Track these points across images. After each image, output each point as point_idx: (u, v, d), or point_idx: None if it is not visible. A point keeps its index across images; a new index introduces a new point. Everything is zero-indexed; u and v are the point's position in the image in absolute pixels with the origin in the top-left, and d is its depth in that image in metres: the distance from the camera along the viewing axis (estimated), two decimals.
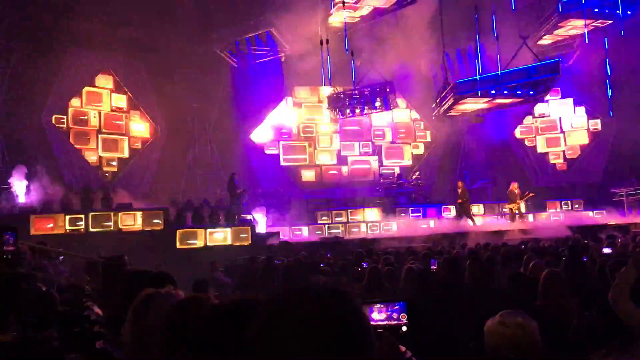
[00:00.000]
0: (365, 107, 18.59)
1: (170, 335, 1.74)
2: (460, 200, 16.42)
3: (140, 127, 19.39)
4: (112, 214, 12.99)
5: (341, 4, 16.64)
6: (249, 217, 15.08)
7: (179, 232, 13.08)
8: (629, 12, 17.84)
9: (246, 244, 13.33)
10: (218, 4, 17.76)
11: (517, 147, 22.57)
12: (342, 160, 21.99)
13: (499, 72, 16.08)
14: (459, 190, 16.51)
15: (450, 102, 16.92)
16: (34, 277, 5.38)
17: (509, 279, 4.62)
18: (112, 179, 18.16)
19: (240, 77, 19.79)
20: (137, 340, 2.03)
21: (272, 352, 0.96)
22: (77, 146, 17.79)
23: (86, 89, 18.14)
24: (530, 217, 17.57)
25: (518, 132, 22.76)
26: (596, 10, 17.96)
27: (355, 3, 17.68)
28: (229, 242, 13.32)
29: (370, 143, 22.30)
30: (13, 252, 5.23)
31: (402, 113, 22.59)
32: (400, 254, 9.30)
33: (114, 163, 18.68)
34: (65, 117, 17.55)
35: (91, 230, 12.60)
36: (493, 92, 16.21)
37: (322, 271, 7.78)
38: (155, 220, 13.22)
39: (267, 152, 21.13)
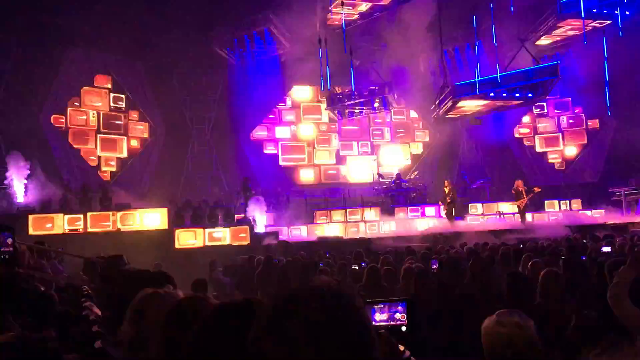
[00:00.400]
0: (364, 108, 18.61)
1: (169, 336, 1.74)
2: (448, 200, 16.04)
3: (138, 127, 19.38)
4: (110, 214, 12.97)
5: (340, 2, 16.65)
6: (249, 216, 15.06)
7: (177, 231, 13.07)
8: (627, 13, 17.89)
9: (245, 243, 13.31)
10: (216, 2, 17.75)
11: (515, 147, 22.60)
12: (340, 159, 21.99)
13: (498, 74, 16.11)
14: (447, 189, 16.13)
15: (449, 105, 16.93)
16: (32, 277, 5.38)
17: (507, 279, 4.63)
18: (111, 178, 18.15)
19: (239, 76, 19.78)
20: (136, 340, 2.02)
21: (274, 352, 0.96)
22: (75, 146, 17.79)
23: (85, 88, 18.13)
24: (529, 216, 17.57)
25: (516, 132, 22.79)
26: (594, 10, 17.99)
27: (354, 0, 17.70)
28: (227, 241, 13.31)
29: (369, 143, 22.30)
30: (10, 253, 5.21)
31: (401, 113, 22.61)
32: (398, 254, 9.30)
33: (113, 163, 18.68)
34: (64, 117, 17.55)
35: (90, 230, 12.59)
36: (492, 94, 16.22)
37: (321, 271, 7.78)
38: (154, 220, 13.20)
39: (265, 151, 21.13)
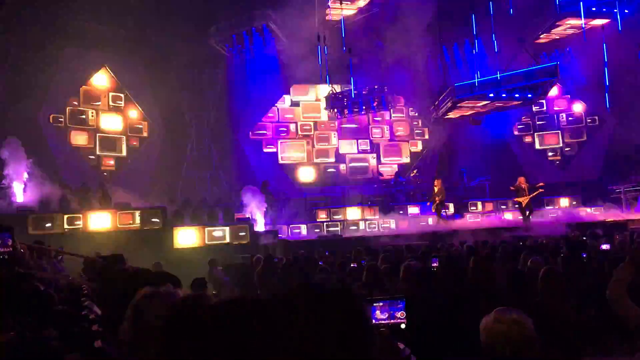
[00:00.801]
0: (363, 108, 18.63)
1: (168, 335, 1.74)
2: (437, 200, 15.84)
3: (137, 126, 19.37)
4: (110, 213, 12.97)
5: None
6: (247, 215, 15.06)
7: (177, 230, 13.06)
8: (626, 11, 17.92)
9: (244, 242, 13.31)
10: None
11: (514, 144, 22.60)
12: (340, 158, 21.99)
13: (498, 75, 16.14)
14: (436, 189, 15.93)
15: (448, 105, 16.94)
16: (32, 277, 5.38)
17: (507, 276, 4.63)
18: (110, 177, 18.14)
19: (238, 74, 19.76)
20: (136, 339, 2.02)
21: (275, 350, 0.96)
22: (75, 145, 17.77)
23: (83, 87, 18.11)
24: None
25: (516, 130, 22.79)
26: (593, 9, 18.01)
27: None
28: (227, 240, 13.30)
29: (368, 141, 22.31)
30: (10, 253, 5.21)
31: (400, 111, 22.61)
32: (398, 252, 9.30)
33: (112, 162, 18.66)
34: (63, 116, 17.53)
35: (89, 229, 12.58)
36: (491, 95, 16.23)
37: (321, 269, 7.78)
38: (153, 219, 13.19)
39: (265, 150, 21.13)
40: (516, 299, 3.77)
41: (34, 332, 3.13)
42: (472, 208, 18.13)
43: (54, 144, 16.78)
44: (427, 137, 22.65)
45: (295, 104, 21.86)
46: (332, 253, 10.47)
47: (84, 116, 18.09)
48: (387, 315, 2.88)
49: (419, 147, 22.75)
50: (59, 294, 4.66)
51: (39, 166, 13.55)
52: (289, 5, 16.74)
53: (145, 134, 19.47)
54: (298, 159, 21.56)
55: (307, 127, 21.80)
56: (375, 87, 18.50)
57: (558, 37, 20.23)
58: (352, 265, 7.98)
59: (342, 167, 21.96)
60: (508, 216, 17.96)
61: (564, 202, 18.80)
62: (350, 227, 16.61)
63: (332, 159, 21.92)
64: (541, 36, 19.81)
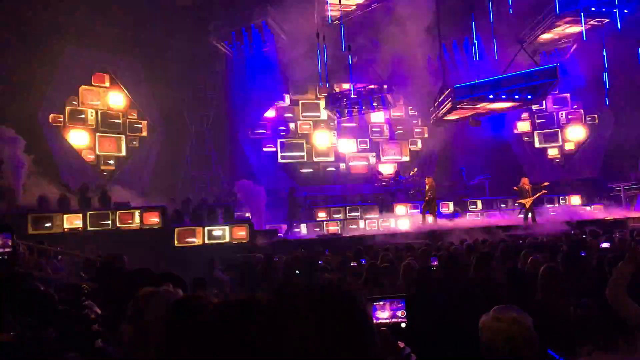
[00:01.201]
0: (363, 107, 18.61)
1: (168, 334, 1.74)
2: (427, 198, 15.58)
3: (137, 126, 19.36)
4: (110, 212, 12.96)
5: None
6: (247, 215, 15.07)
7: (177, 230, 13.05)
8: (625, 11, 17.93)
9: (244, 241, 13.31)
10: None
11: (514, 143, 22.61)
12: (340, 157, 21.99)
13: (497, 77, 16.12)
14: (427, 186, 15.69)
15: (448, 107, 16.93)
16: (32, 276, 5.37)
17: (507, 275, 4.63)
18: (110, 177, 18.13)
19: (238, 73, 19.73)
20: (136, 339, 2.02)
21: (276, 349, 0.96)
22: (74, 145, 17.76)
23: (83, 87, 18.10)
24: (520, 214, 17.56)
25: (515, 128, 22.79)
26: (593, 9, 18.01)
27: None
28: (227, 239, 13.30)
29: (368, 140, 22.30)
30: (10, 253, 5.20)
31: (400, 110, 22.61)
32: (398, 250, 9.30)
33: (112, 162, 18.66)
34: (62, 115, 17.52)
35: (89, 229, 12.58)
36: (491, 96, 16.22)
37: (321, 268, 7.78)
38: (153, 219, 13.19)
39: (265, 149, 21.12)
40: (516, 297, 3.77)
41: (34, 332, 3.13)
42: (471, 206, 18.12)
43: (53, 143, 16.77)
44: (426, 136, 22.65)
45: (294, 102, 21.85)
46: (332, 252, 10.47)
47: (83, 116, 18.09)
48: (388, 315, 2.88)
49: (419, 146, 22.75)
50: (59, 293, 4.65)
51: (38, 166, 13.56)
52: (289, 2, 16.73)
53: (144, 134, 19.46)
54: (297, 158, 21.55)
55: (306, 126, 21.79)
56: (375, 86, 18.48)
57: (558, 37, 20.25)
58: (352, 264, 7.99)
59: (342, 166, 21.96)
60: (507, 215, 17.95)
61: (564, 200, 18.82)
62: (350, 226, 16.61)
63: (332, 158, 21.92)
64: (540, 36, 19.82)
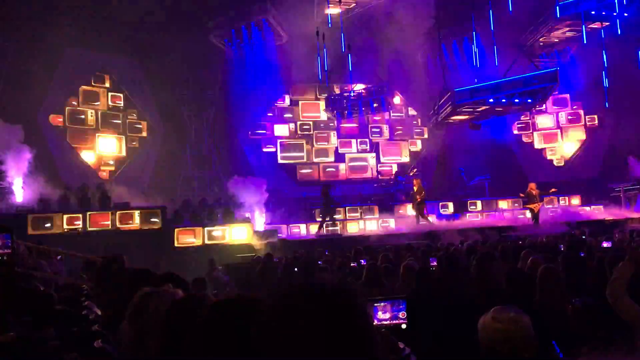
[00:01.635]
0: (363, 109, 18.61)
1: (168, 334, 1.74)
2: (418, 198, 15.48)
3: (137, 126, 19.36)
4: (109, 213, 12.96)
5: None
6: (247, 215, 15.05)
7: (176, 230, 13.06)
8: (625, 15, 17.96)
9: (244, 242, 13.32)
10: None
11: (514, 144, 22.61)
12: (339, 157, 21.99)
13: (497, 80, 16.13)
14: (415, 188, 15.62)
15: (448, 110, 16.94)
16: (32, 277, 5.38)
17: (506, 275, 4.63)
18: (110, 178, 18.13)
19: (237, 72, 19.70)
20: (135, 339, 2.03)
21: (276, 350, 0.96)
22: (74, 145, 17.76)
23: (83, 88, 18.10)
24: (528, 213, 17.57)
25: (515, 129, 22.79)
26: (593, 12, 18.04)
27: None
28: (227, 240, 13.30)
29: (367, 140, 22.30)
30: (10, 253, 5.19)
31: (400, 110, 22.61)
32: (398, 251, 9.30)
33: (112, 162, 18.66)
34: (62, 116, 17.52)
35: (89, 229, 12.58)
36: (491, 100, 16.22)
37: (321, 269, 7.78)
38: (153, 219, 13.19)
39: (264, 150, 21.11)
40: (516, 297, 3.77)
41: (34, 332, 3.13)
42: (471, 207, 18.12)
43: (53, 144, 16.77)
44: (426, 136, 22.64)
45: (294, 103, 21.85)
46: (332, 252, 10.47)
47: (83, 116, 18.08)
48: (389, 316, 2.89)
49: (419, 146, 22.75)
50: (59, 294, 4.65)
51: (38, 166, 13.55)
52: (289, 2, 16.73)
53: (144, 134, 19.45)
54: (297, 159, 21.54)
55: (306, 127, 21.79)
56: (375, 88, 18.47)
57: (557, 40, 20.29)
58: (351, 264, 7.99)
59: (342, 166, 21.95)
60: (507, 215, 17.96)
61: (564, 200, 18.81)
62: (350, 227, 16.61)
63: (332, 159, 21.91)
64: (540, 40, 19.87)
